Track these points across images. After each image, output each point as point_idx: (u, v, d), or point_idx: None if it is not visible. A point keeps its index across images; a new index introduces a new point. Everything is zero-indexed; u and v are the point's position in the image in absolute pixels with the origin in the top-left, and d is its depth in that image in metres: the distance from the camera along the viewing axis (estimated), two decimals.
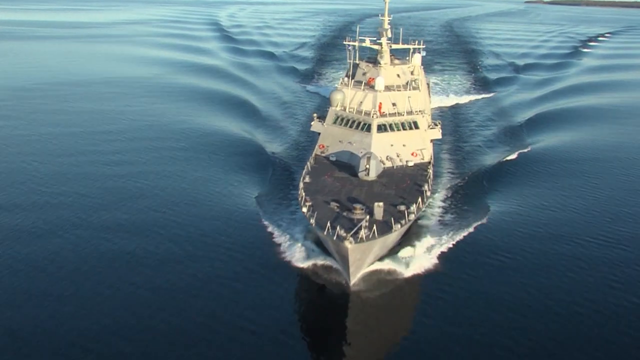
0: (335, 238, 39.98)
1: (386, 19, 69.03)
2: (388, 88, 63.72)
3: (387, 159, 57.41)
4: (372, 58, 70.64)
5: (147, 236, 50.55)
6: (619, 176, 69.90)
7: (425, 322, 39.89)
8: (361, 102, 62.47)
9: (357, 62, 70.45)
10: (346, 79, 65.98)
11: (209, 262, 46.62)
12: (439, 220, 54.08)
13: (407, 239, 48.53)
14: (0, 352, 36.08)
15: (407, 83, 66.60)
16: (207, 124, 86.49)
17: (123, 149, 74.92)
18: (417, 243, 48.45)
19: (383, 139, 58.49)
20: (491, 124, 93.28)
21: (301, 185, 50.71)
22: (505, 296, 42.85)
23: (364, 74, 67.78)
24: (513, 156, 74.50)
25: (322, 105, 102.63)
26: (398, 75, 67.36)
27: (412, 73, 69.87)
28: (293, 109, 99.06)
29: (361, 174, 52.97)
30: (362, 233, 40.44)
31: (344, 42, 72.21)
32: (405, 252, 46.89)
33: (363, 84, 64.00)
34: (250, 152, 73.27)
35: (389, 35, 67.90)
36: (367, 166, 52.77)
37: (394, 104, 62.15)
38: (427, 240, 49.19)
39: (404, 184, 52.74)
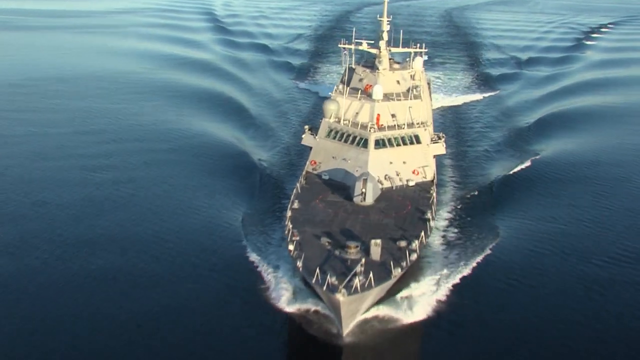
0: (325, 288, 34.20)
1: (385, 20, 62.81)
2: (387, 97, 57.67)
3: (385, 178, 51.55)
4: (370, 62, 64.53)
5: (121, 253, 46.99)
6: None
7: None
8: (357, 113, 56.45)
9: (352, 66, 64.26)
10: (341, 86, 59.82)
11: (184, 291, 42.09)
12: (444, 250, 48.30)
13: (408, 274, 42.75)
14: None
15: (408, 90, 60.58)
16: (193, 126, 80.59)
17: (102, 153, 69.70)
18: (419, 280, 42.68)
19: (381, 155, 52.56)
20: (495, 128, 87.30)
21: (289, 213, 44.85)
22: (523, 345, 37.39)
23: (361, 80, 61.67)
24: (521, 167, 68.79)
25: (317, 104, 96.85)
26: (398, 82, 61.27)
27: (412, 78, 63.76)
28: (286, 110, 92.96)
29: (356, 199, 47.15)
30: (357, 281, 34.67)
31: (339, 45, 65.96)
32: (405, 292, 41.16)
33: (359, 92, 57.92)
34: (237, 160, 67.67)
35: (388, 37, 61.67)
36: (363, 190, 46.94)
37: (393, 116, 56.15)
38: (431, 276, 43.48)
39: (404, 210, 46.91)
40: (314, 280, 35.23)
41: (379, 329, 38.14)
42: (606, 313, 41.32)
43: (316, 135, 56.50)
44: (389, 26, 63.89)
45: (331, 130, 55.57)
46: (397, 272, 37.03)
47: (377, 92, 56.61)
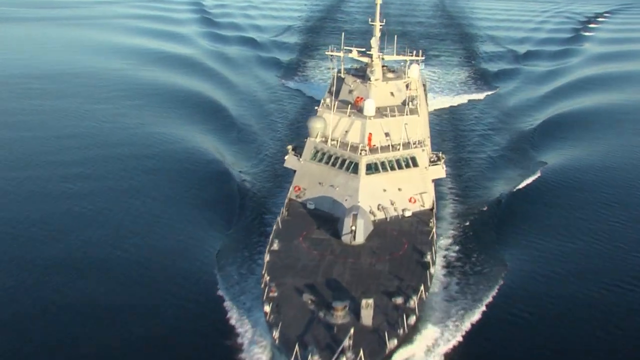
0: None
1: (377, 24, 55.95)
2: (380, 112, 51.03)
3: (378, 208, 45.10)
4: (361, 69, 57.71)
5: (81, 278, 42.48)
6: None
7: None
8: (346, 132, 49.80)
9: (342, 74, 57.41)
10: (328, 99, 52.99)
11: (145, 334, 36.73)
12: (445, 294, 41.84)
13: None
14: None
15: (403, 103, 53.96)
16: (171, 132, 73.66)
17: (75, 161, 64.20)
18: (415, 339, 36.20)
19: (373, 182, 46.04)
20: (496, 133, 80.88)
21: (267, 257, 38.34)
22: None
23: (351, 91, 54.96)
24: (527, 181, 62.38)
25: (305, 107, 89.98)
26: (392, 94, 54.63)
27: (408, 87, 57.16)
28: (271, 114, 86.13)
29: (345, 238, 40.70)
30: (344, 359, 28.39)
31: (326, 53, 58.91)
32: (400, 354, 34.74)
33: (349, 107, 51.17)
34: (215, 177, 60.77)
35: (381, 43, 54.85)
36: (353, 228, 40.47)
37: (386, 134, 49.53)
38: (430, 333, 36.97)
39: (400, 251, 40.50)
40: (292, 358, 28.88)
41: None
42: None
43: (300, 156, 49.86)
44: (381, 29, 57.11)
45: (317, 152, 48.92)
46: (392, 344, 30.70)
47: (369, 107, 49.94)
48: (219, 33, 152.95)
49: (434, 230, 43.08)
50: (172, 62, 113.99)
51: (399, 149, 48.05)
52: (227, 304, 39.39)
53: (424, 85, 73.88)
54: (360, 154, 46.50)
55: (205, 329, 37.66)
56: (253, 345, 35.25)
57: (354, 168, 46.34)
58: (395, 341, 30.85)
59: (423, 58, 59.22)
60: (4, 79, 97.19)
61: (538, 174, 65.30)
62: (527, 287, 43.21)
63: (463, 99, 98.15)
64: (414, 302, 33.90)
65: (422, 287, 35.38)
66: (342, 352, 28.87)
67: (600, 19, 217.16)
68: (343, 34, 58.61)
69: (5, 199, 54.48)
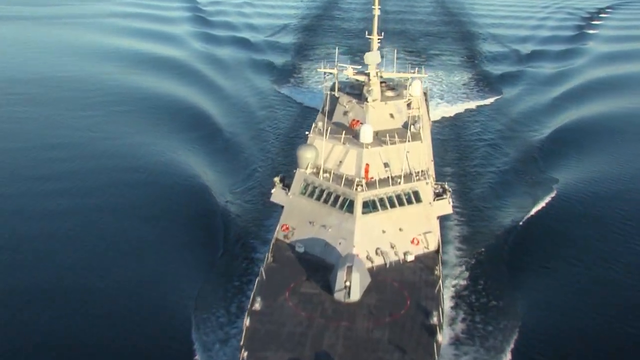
0: None
1: (375, 38, 49.87)
2: (378, 138, 45.14)
3: (376, 253, 39.31)
4: (357, 87, 51.58)
5: (49, 309, 39.67)
6: None
7: None
8: (341, 162, 43.88)
9: (335, 93, 51.35)
10: (320, 122, 46.88)
11: None
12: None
13: None
14: None
15: (404, 125, 48.08)
16: (152, 149, 68.10)
17: (43, 177, 59.94)
18: None
19: (371, 222, 40.20)
20: (501, 149, 74.78)
21: (246, 322, 32.55)
22: None
23: (345, 113, 48.98)
24: (537, 207, 56.71)
25: (300, 117, 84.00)
26: (391, 115, 48.66)
27: (409, 106, 51.22)
28: (263, 127, 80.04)
29: (339, 295, 34.87)
30: None
31: (318, 70, 52.79)
32: None
33: (344, 133, 45.18)
34: (197, 206, 55.08)
35: (379, 59, 48.73)
36: (347, 283, 34.61)
37: (386, 165, 43.64)
38: None
39: (401, 310, 34.69)
40: None
41: None
42: None
43: (289, 190, 43.95)
44: (380, 42, 51.04)
45: (307, 185, 43.01)
46: None
47: (366, 134, 43.98)
48: (211, 33, 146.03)
49: (440, 281, 37.25)
50: (158, 65, 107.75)
51: (399, 183, 42.16)
52: None
53: (426, 98, 67.83)
54: (356, 189, 40.63)
55: None
56: None
57: (348, 206, 40.48)
58: None
59: (426, 75, 53.14)
60: None
61: (551, 196, 59.66)
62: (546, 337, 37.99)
63: (465, 106, 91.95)
64: None
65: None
66: None
67: (602, 15, 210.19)
68: (337, 48, 52.48)
69: None
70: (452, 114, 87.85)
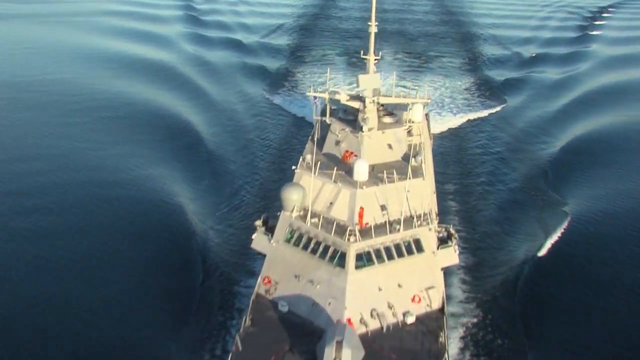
0: None
1: (371, 59, 43.92)
2: (374, 174, 39.40)
3: (372, 315, 33.71)
4: (351, 112, 45.63)
5: None
6: None
7: None
8: (331, 204, 38.10)
9: (327, 119, 45.46)
10: (308, 155, 41.02)
11: None
12: None
13: None
14: None
15: (404, 157, 42.41)
16: (128, 167, 62.37)
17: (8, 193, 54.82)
18: None
19: (365, 278, 34.54)
20: (506, 169, 69.12)
21: None
22: None
23: (338, 142, 43.16)
24: (550, 240, 51.07)
25: (293, 131, 78.13)
26: (389, 146, 42.84)
27: (410, 133, 45.53)
28: (252, 139, 74.10)
29: None
30: None
31: (307, 94, 46.75)
32: None
33: (335, 170, 39.38)
34: (173, 236, 49.37)
35: (377, 84, 42.83)
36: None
37: (383, 207, 37.90)
38: None
39: None
40: None
41: None
42: None
43: (272, 236, 38.23)
44: (376, 69, 45.09)
45: (293, 232, 37.25)
46: None
47: (360, 171, 38.13)
48: (200, 32, 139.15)
49: (446, 352, 31.63)
50: (143, 67, 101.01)
51: (398, 229, 36.41)
52: None
53: (428, 122, 61.91)
54: (349, 239, 34.87)
55: None
56: None
57: (340, 259, 34.76)
58: None
59: (429, 100, 47.29)
60: None
61: (564, 224, 54.06)
62: None
63: (467, 117, 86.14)
64: None
65: None
66: None
67: (605, 14, 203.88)
68: (329, 69, 46.24)
69: None
70: (453, 126, 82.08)
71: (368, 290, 34.22)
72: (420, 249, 36.59)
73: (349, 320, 32.54)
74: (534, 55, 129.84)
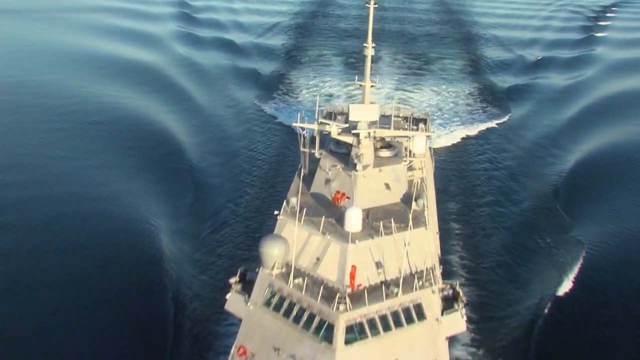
0: None
1: (367, 85, 38.12)
2: (369, 223, 33.66)
3: None
4: (343, 145, 39.68)
5: None
6: None
7: None
8: (318, 260, 32.40)
9: (316, 152, 39.65)
10: (293, 199, 35.25)
11: None
12: None
13: None
14: None
15: (403, 200, 36.70)
16: (99, 187, 56.59)
17: None
18: None
19: (357, 356, 28.85)
20: (512, 194, 63.01)
21: None
22: None
23: (328, 181, 37.37)
24: (564, 287, 45.47)
25: (285, 146, 72.37)
26: (387, 186, 37.06)
27: (410, 168, 39.86)
28: (239, 160, 67.97)
29: None
30: None
31: (293, 124, 40.72)
32: None
33: (323, 219, 33.59)
34: (141, 276, 43.55)
35: (373, 116, 37.02)
36: None
37: (378, 264, 32.21)
38: None
39: None
40: None
41: None
42: None
43: (249, 297, 32.56)
44: (374, 86, 39.39)
45: (273, 294, 31.52)
46: None
47: (353, 220, 32.39)
48: (190, 32, 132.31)
49: None
50: (125, 70, 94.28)
51: (396, 293, 30.66)
52: None
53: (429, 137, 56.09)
54: (337, 307, 29.18)
55: None
56: None
57: (327, 332, 29.06)
58: None
59: (432, 133, 41.43)
60: None
61: (578, 265, 48.48)
62: None
63: (468, 130, 79.78)
64: None
65: None
66: None
67: (609, 14, 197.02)
68: (318, 97, 40.03)
69: None
70: (455, 140, 76.18)
71: None
72: (421, 316, 30.89)
73: None
74: (539, 58, 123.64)
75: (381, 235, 32.55)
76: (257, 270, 32.81)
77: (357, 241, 31.87)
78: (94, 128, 70.65)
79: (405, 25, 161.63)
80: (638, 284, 45.55)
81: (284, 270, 32.05)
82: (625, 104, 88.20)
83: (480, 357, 38.00)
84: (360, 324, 29.34)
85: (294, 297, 30.66)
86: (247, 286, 33.38)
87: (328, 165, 37.47)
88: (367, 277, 31.48)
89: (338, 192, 35.81)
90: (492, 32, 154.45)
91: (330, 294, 30.06)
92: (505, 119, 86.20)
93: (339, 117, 48.53)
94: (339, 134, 37.23)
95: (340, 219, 33.61)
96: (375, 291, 30.80)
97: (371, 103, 38.22)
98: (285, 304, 30.78)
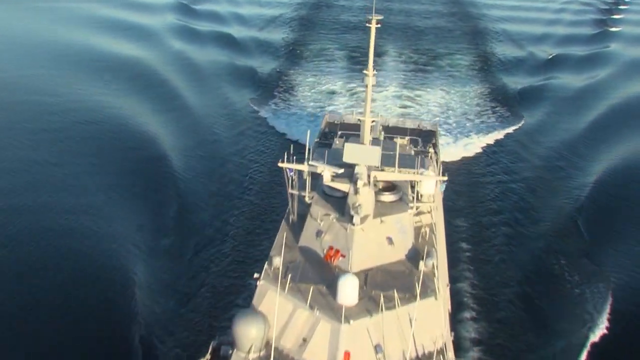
0: None
1: (368, 121, 31.87)
2: (365, 293, 27.63)
3: None
4: (339, 190, 33.34)
5: None
6: None
7: None
8: (304, 341, 26.44)
9: (306, 196, 33.40)
10: (277, 259, 29.09)
11: None
12: None
13: None
14: None
15: (409, 257, 30.60)
16: (65, 202, 50.30)
17: None
18: None
19: None
20: (525, 220, 56.51)
21: None
22: None
23: (319, 233, 31.19)
24: (593, 337, 39.44)
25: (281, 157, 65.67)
26: (389, 240, 30.87)
27: (418, 214, 33.70)
28: (233, 179, 61.12)
29: None
30: None
31: (279, 165, 34.17)
32: None
33: (311, 290, 27.54)
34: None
35: (373, 160, 30.74)
36: None
37: (377, 348, 26.25)
38: None
39: None
40: None
41: None
42: None
43: None
44: (374, 125, 33.14)
45: None
46: None
47: (347, 293, 26.43)
48: (189, 25, 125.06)
49: None
50: (118, 73, 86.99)
51: None
52: None
53: (437, 160, 49.63)
54: None
55: None
56: None
57: None
58: None
59: (445, 179, 34.96)
60: None
61: (607, 307, 42.39)
62: None
63: (477, 143, 72.67)
64: None
65: None
66: None
67: (622, 7, 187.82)
68: (308, 139, 33.47)
69: None
70: (466, 154, 69.55)
71: None
72: None
73: None
74: (551, 56, 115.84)
75: (381, 310, 26.49)
76: (230, 352, 26.81)
77: (351, 320, 25.84)
78: (66, 129, 64.44)
79: (412, 17, 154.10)
80: None
81: (262, 353, 26.10)
82: None
83: None
84: None
85: None
86: None
87: (320, 214, 31.26)
88: None
89: (331, 248, 29.74)
90: (501, 26, 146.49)
91: None
92: (519, 125, 79.37)
93: (338, 139, 42.39)
94: (332, 180, 30.95)
95: (332, 284, 27.58)
96: None
97: (372, 141, 31.93)
98: None
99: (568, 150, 71.62)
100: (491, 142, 73.95)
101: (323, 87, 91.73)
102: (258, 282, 28.51)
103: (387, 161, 33.46)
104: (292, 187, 32.73)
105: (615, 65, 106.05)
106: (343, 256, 29.12)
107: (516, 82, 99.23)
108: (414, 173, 32.07)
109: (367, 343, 25.95)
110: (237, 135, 72.15)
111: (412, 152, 40.08)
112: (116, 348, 34.82)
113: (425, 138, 49.50)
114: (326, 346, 25.81)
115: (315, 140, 48.15)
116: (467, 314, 42.22)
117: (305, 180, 32.53)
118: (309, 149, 32.19)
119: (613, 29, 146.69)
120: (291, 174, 32.05)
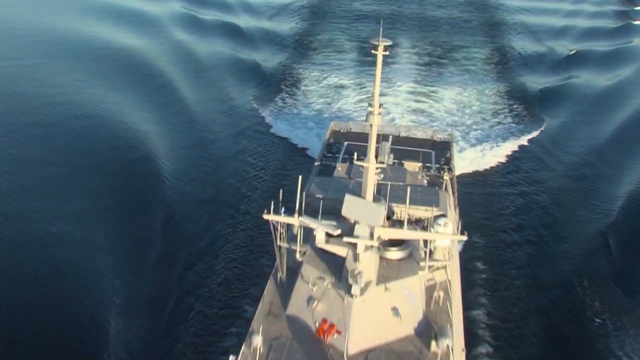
0: None
1: (371, 167, 25.52)
2: None
3: None
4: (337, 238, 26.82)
5: None
6: None
7: None
8: None
9: (297, 252, 26.85)
10: (256, 340, 22.85)
11: None
12: None
13: None
14: None
15: (418, 332, 24.53)
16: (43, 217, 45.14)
17: None
18: None
19: None
20: (555, 236, 50.31)
21: None
22: None
23: (310, 300, 24.91)
24: None
25: (286, 172, 59.77)
26: (395, 312, 24.64)
27: (431, 268, 27.28)
28: (228, 194, 55.06)
29: None
30: None
31: (264, 217, 26.99)
32: None
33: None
34: None
35: (377, 220, 24.13)
36: None
37: None
38: None
39: None
40: None
41: None
42: None
43: None
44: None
45: None
46: None
47: None
48: (194, 14, 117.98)
49: None
50: (94, 57, 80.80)
51: None
52: None
53: (452, 179, 42.77)
54: None
55: None
56: None
57: None
58: None
59: (465, 238, 27.71)
60: None
61: None
62: None
63: (494, 154, 65.23)
64: None
65: None
66: None
67: None
68: (299, 183, 26.66)
69: None
70: (482, 167, 62.54)
71: None
72: None
73: None
74: (573, 52, 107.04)
75: None
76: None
77: None
78: (47, 125, 59.03)
79: (425, 6, 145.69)
80: None
81: None
82: None
83: None
84: None
85: None
86: None
87: (312, 277, 24.94)
88: None
89: (325, 321, 23.69)
90: (519, 17, 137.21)
91: None
92: (541, 128, 72.27)
93: (340, 165, 36.22)
94: (326, 244, 24.45)
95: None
96: None
97: (375, 200, 25.22)
98: None
99: (594, 156, 65.03)
100: (510, 146, 67.59)
101: (332, 81, 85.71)
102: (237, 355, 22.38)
103: (395, 196, 27.01)
104: (281, 240, 26.27)
105: (632, 62, 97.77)
106: (339, 332, 23.03)
107: (535, 80, 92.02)
108: (425, 226, 25.52)
109: None
110: (236, 136, 66.39)
111: (425, 182, 33.77)
112: None
113: (440, 152, 43.21)
114: None
115: (318, 158, 41.82)
116: (482, 349, 37.03)
117: (297, 233, 26.11)
118: (300, 203, 25.64)
119: (636, 22, 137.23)
120: (277, 225, 25.57)
